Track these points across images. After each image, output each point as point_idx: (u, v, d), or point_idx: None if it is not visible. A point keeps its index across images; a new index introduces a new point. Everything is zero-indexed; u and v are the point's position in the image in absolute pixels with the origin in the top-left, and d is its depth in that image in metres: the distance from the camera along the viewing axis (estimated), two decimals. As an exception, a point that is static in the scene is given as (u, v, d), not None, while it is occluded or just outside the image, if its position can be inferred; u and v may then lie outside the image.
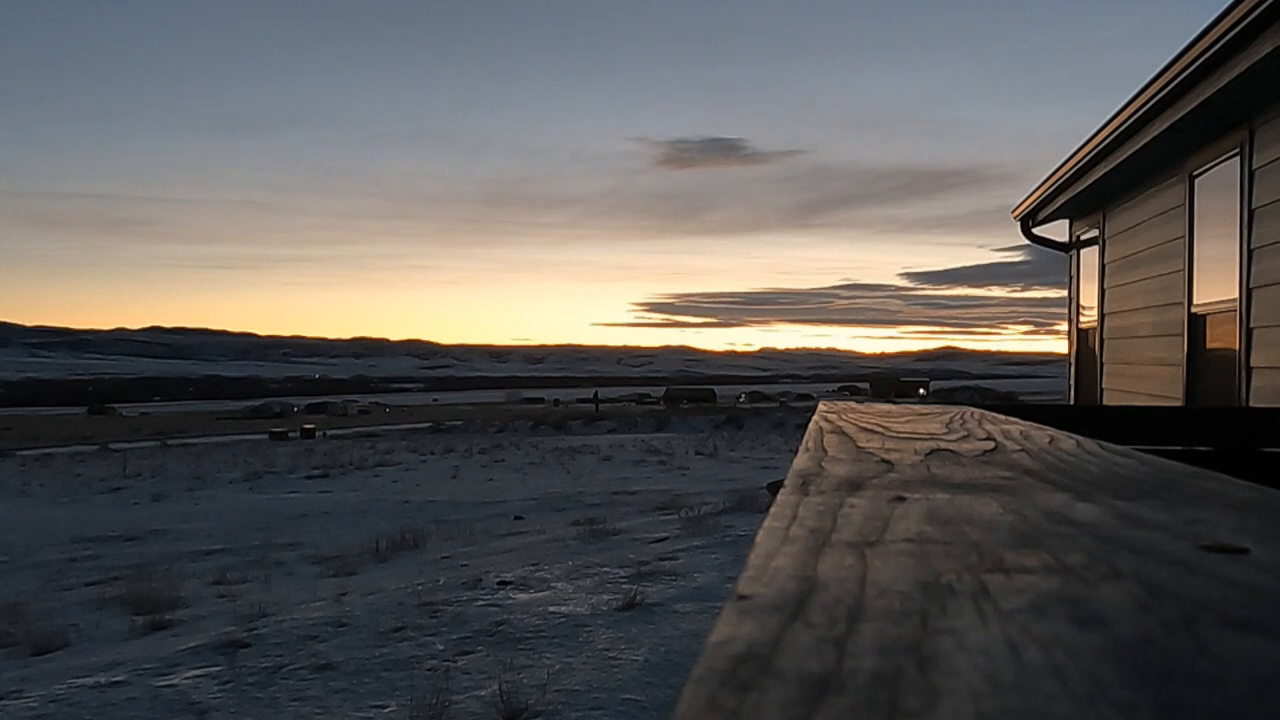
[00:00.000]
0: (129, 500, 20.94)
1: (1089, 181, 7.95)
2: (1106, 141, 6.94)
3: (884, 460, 1.04)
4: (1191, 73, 5.23)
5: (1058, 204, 9.26)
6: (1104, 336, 9.08)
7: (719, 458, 25.34)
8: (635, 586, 6.22)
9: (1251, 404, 5.62)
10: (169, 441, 50.24)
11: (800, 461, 1.04)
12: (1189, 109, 5.59)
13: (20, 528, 16.03)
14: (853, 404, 2.14)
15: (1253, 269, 5.71)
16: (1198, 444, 2.25)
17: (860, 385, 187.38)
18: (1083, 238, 9.96)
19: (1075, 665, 0.39)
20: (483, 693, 4.44)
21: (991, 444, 1.21)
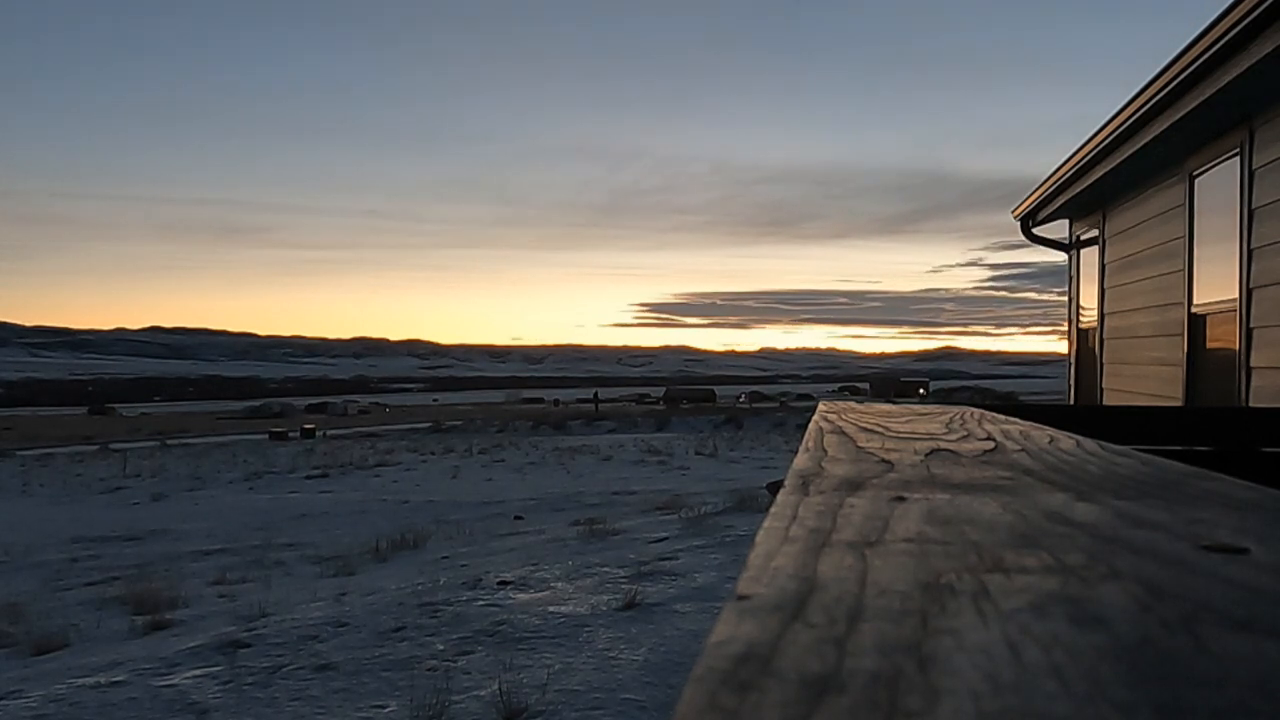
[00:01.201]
0: (129, 500, 20.95)
1: (1089, 181, 7.95)
2: (1106, 141, 6.94)
3: (884, 460, 1.04)
4: (1191, 73, 5.23)
5: (1058, 204, 9.26)
6: (1104, 336, 9.08)
7: (719, 458, 25.34)
8: (635, 586, 6.22)
9: (1251, 404, 5.62)
10: (169, 441, 50.23)
11: (800, 461, 1.04)
12: (1189, 109, 5.59)
13: (20, 528, 16.03)
14: (853, 404, 2.14)
15: (1253, 269, 5.72)
16: (1198, 444, 2.25)
17: (860, 385, 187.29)
18: (1083, 238, 9.96)
19: (1075, 665, 0.39)
20: (483, 693, 4.44)
21: (991, 444, 1.21)
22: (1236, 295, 5.88)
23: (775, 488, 2.24)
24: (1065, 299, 10.81)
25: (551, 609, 5.92)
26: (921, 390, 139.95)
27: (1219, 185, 6.32)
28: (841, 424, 1.53)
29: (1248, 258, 5.76)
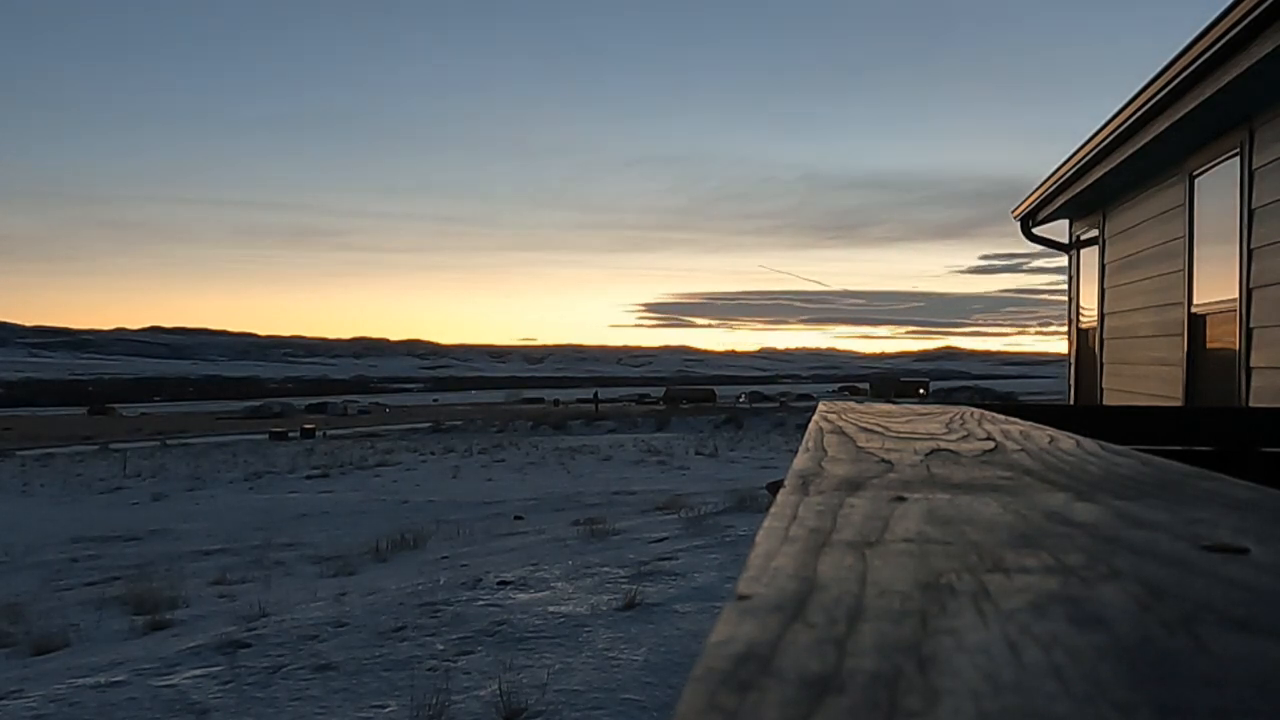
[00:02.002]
0: (129, 500, 20.95)
1: (1089, 181, 7.95)
2: (1106, 141, 6.94)
3: (884, 460, 1.04)
4: (1191, 73, 5.23)
5: (1058, 204, 9.26)
6: (1104, 336, 9.08)
7: (719, 458, 25.34)
8: (635, 586, 6.22)
9: (1251, 404, 5.62)
10: (169, 441, 50.26)
11: (800, 461, 1.03)
12: (1189, 109, 5.59)
13: (20, 528, 16.04)
14: (853, 404, 2.14)
15: (1252, 269, 5.72)
16: (1198, 444, 2.25)
17: (860, 385, 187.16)
18: (1083, 238, 9.96)
19: (1075, 665, 0.39)
20: (483, 693, 4.44)
21: (991, 444, 1.21)
22: (1236, 295, 5.88)
23: (775, 488, 2.24)
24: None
25: (551, 609, 5.92)
26: (921, 390, 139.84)
27: (1219, 185, 6.32)
28: (841, 424, 1.53)
29: (1248, 258, 5.76)
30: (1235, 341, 5.92)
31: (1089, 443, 1.20)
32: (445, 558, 9.44)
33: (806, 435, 1.38)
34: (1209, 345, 6.62)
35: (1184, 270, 6.90)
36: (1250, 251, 5.73)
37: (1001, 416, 1.74)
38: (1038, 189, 9.34)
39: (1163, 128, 6.06)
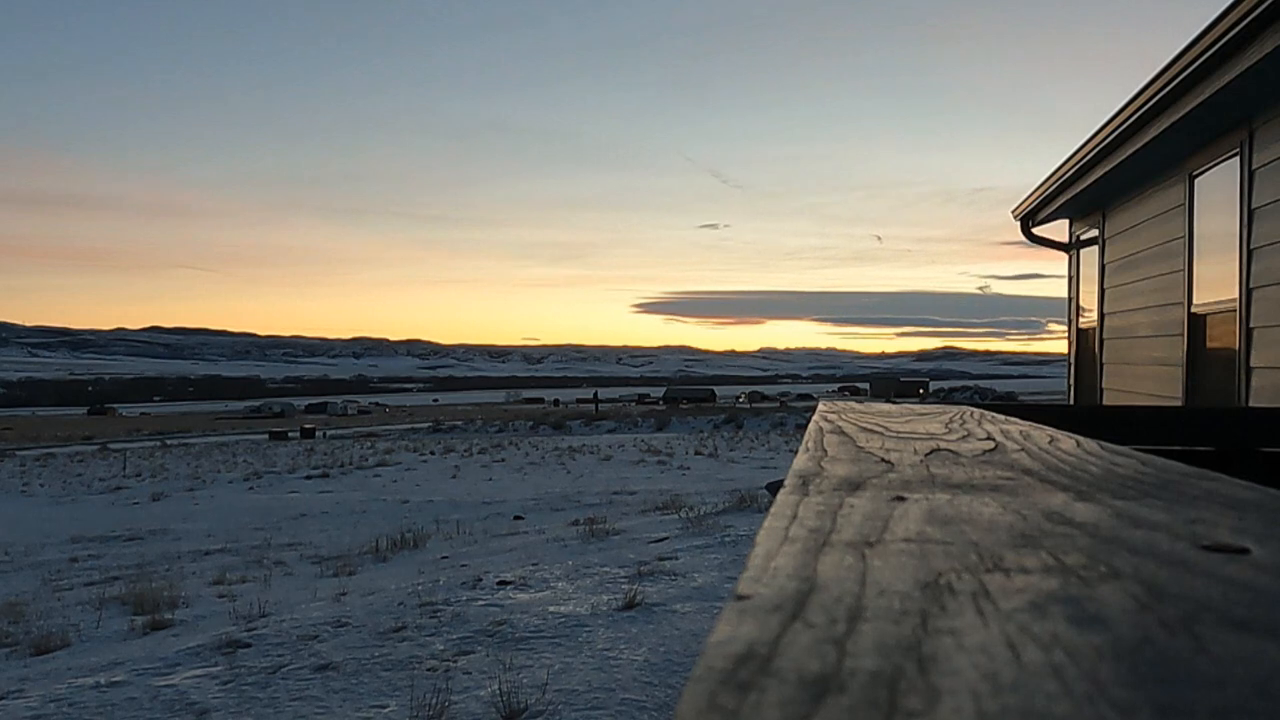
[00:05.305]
0: (129, 500, 20.95)
1: (1089, 181, 7.95)
2: (1106, 141, 6.94)
3: (884, 460, 1.04)
4: (1191, 73, 5.23)
5: (1058, 204, 9.26)
6: (1104, 336, 9.08)
7: (719, 458, 25.34)
8: (635, 586, 6.22)
9: (1251, 404, 5.62)
10: (169, 441, 50.28)
11: (800, 461, 1.03)
12: (1189, 109, 5.59)
13: (20, 528, 16.05)
14: (853, 404, 2.14)
15: (1252, 269, 5.72)
16: (1198, 444, 2.25)
17: (860, 385, 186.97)
18: (1083, 238, 9.96)
19: (1075, 665, 0.39)
20: (482, 693, 4.44)
21: (991, 444, 1.21)
22: (1236, 295, 5.89)
23: (775, 488, 2.24)
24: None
25: (551, 609, 5.92)
26: (921, 390, 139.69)
27: (1219, 185, 6.32)
28: (841, 424, 1.53)
29: (1247, 258, 5.76)
30: (1235, 341, 5.92)
31: (1089, 443, 1.20)
32: (445, 557, 9.44)
33: (806, 435, 1.38)
34: (1209, 345, 6.62)
35: (1184, 270, 6.90)
36: (1250, 251, 5.73)
37: (1001, 416, 1.74)
38: (1037, 189, 9.33)
39: (1163, 128, 6.06)
